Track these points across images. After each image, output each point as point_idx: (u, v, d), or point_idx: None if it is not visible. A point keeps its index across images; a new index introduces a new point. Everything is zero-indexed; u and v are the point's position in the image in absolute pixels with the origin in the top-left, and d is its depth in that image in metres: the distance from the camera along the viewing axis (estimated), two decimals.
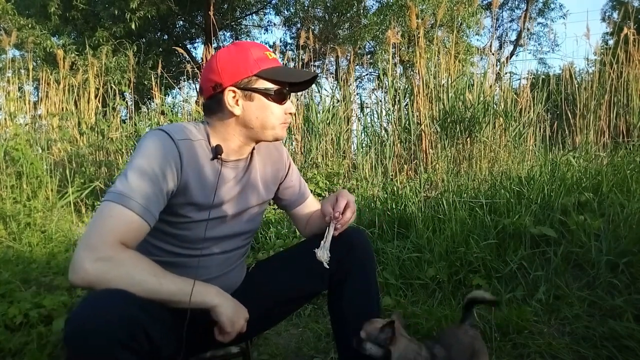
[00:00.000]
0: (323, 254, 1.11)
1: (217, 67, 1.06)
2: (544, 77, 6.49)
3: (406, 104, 4.50)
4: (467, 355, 1.21)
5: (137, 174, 0.95)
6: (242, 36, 14.14)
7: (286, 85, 1.09)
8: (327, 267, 1.11)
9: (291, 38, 12.94)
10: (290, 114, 1.13)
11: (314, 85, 5.31)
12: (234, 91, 1.05)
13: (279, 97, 1.08)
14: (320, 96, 5.04)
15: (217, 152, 1.07)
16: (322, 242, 1.12)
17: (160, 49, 11.43)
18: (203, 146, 1.07)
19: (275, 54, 1.12)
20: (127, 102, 6.40)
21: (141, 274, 0.88)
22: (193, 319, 1.08)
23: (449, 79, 4.13)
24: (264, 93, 1.06)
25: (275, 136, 1.12)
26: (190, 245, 1.09)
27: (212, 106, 1.09)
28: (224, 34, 13.45)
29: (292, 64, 5.84)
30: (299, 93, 4.76)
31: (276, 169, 1.26)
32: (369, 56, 11.44)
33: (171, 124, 1.07)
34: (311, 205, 1.35)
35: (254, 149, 1.18)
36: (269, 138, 1.12)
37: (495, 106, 3.99)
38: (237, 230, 1.17)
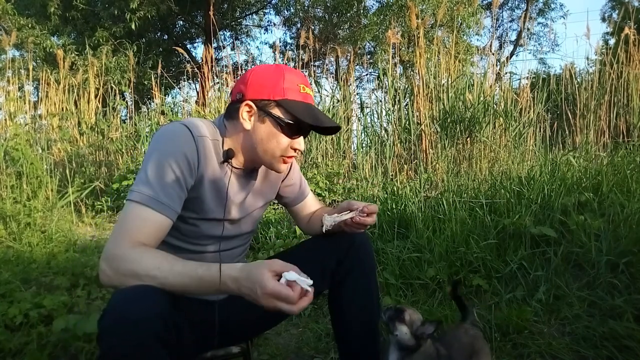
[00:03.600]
0: (329, 221, 1.14)
1: (248, 79, 1.07)
2: (544, 76, 6.49)
3: (406, 104, 4.50)
4: (467, 355, 1.22)
5: (157, 171, 0.96)
6: (242, 36, 14.15)
7: (302, 124, 1.06)
8: (323, 231, 1.16)
9: (291, 38, 12.94)
10: (296, 149, 1.09)
11: (314, 85, 5.33)
12: (250, 106, 1.05)
13: (290, 131, 1.06)
14: (320, 96, 5.04)
15: (228, 155, 1.07)
16: (336, 215, 1.16)
17: (160, 49, 11.43)
18: (217, 147, 1.08)
19: (312, 89, 1.09)
20: (127, 102, 6.41)
21: (146, 270, 0.87)
22: (197, 317, 1.08)
23: (449, 79, 4.13)
24: (276, 121, 1.05)
25: (271, 166, 1.11)
26: (192, 241, 1.10)
27: (232, 111, 1.09)
28: (223, 34, 13.45)
29: (292, 64, 5.84)
30: None
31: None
32: (369, 56, 11.45)
33: (189, 119, 1.07)
34: (312, 203, 1.36)
35: None
36: (265, 164, 1.11)
37: (495, 106, 3.99)
38: (239, 231, 1.18)
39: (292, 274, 0.82)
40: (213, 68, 5.47)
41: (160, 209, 0.94)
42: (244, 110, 1.06)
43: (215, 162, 1.07)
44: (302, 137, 1.10)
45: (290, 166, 1.29)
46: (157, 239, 0.95)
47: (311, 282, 0.83)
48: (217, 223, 1.11)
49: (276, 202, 1.37)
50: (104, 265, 0.88)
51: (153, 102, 6.64)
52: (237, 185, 1.14)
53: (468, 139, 3.82)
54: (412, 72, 6.12)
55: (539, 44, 15.52)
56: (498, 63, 4.78)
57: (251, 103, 1.05)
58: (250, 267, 0.86)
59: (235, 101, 1.08)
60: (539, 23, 15.35)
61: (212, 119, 1.14)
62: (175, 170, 0.97)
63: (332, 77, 9.18)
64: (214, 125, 1.10)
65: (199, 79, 5.93)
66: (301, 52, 5.92)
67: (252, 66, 1.14)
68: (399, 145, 4.13)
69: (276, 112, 1.05)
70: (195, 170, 1.02)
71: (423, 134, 3.98)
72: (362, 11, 11.45)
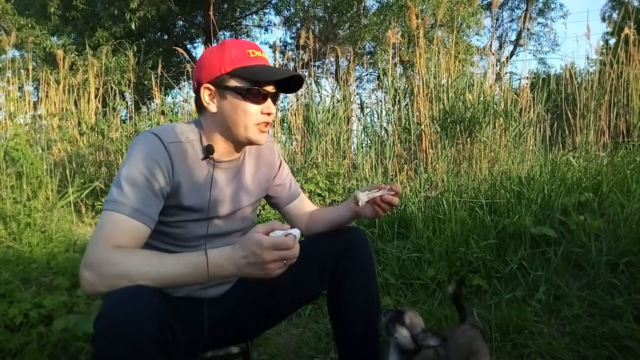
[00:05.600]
0: (364, 197, 1.14)
1: (199, 64, 1.09)
2: (544, 77, 6.49)
3: (406, 104, 4.50)
4: (464, 355, 1.21)
5: (130, 180, 0.96)
6: (242, 36, 14.13)
7: (263, 85, 1.06)
8: (359, 206, 1.16)
9: (291, 38, 12.93)
10: (268, 114, 1.08)
11: (314, 85, 5.32)
12: (209, 88, 1.06)
13: (254, 97, 1.05)
14: (320, 96, 5.04)
15: (208, 152, 1.08)
16: (369, 191, 1.16)
17: (160, 49, 11.42)
18: (195, 147, 1.08)
19: (262, 52, 1.09)
20: (127, 102, 6.40)
21: (137, 267, 0.87)
22: (192, 317, 1.08)
23: (449, 79, 4.13)
24: (236, 91, 1.04)
25: (249, 138, 1.09)
26: (183, 244, 1.10)
27: (197, 103, 1.11)
28: (223, 34, 13.43)
29: (292, 64, 5.83)
30: (299, 93, 4.76)
31: (268, 167, 1.26)
32: (369, 56, 11.44)
33: (162, 126, 1.07)
34: (305, 203, 1.34)
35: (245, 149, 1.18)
36: (244, 140, 1.10)
37: (495, 106, 3.99)
38: (229, 229, 1.17)
39: (277, 231, 0.87)
40: None
41: (137, 216, 0.94)
42: (205, 95, 1.07)
43: (194, 164, 1.07)
44: (269, 100, 1.08)
45: (280, 165, 1.29)
46: (138, 246, 0.95)
47: (298, 230, 0.89)
48: (204, 222, 1.10)
49: (266, 203, 1.37)
50: (86, 274, 0.86)
51: (153, 102, 6.63)
52: (223, 180, 1.13)
53: (468, 139, 3.82)
54: (412, 72, 6.12)
55: (539, 44, 15.53)
56: (498, 63, 4.78)
57: (208, 85, 1.06)
58: (240, 239, 0.88)
59: (196, 91, 1.09)
60: (539, 23, 15.35)
61: (191, 120, 1.15)
62: (149, 179, 0.98)
63: (332, 77, 9.18)
64: (190, 126, 1.10)
65: None
66: (301, 52, 5.91)
67: None
68: (399, 145, 4.13)
69: (232, 83, 1.05)
70: (169, 177, 1.02)
71: (423, 134, 3.97)
72: (362, 11, 11.45)
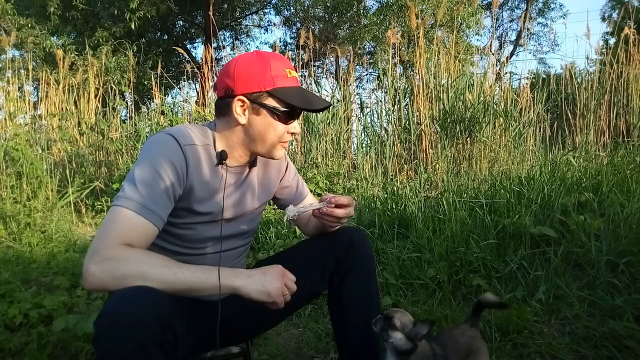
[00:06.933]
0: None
1: (234, 73, 1.05)
2: (544, 77, 6.49)
3: (406, 104, 4.50)
4: (463, 354, 1.21)
5: (144, 178, 0.95)
6: (242, 36, 14.15)
7: (297, 109, 1.08)
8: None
9: (291, 38, 12.95)
10: (293, 133, 1.11)
11: (314, 85, 5.33)
12: (243, 101, 1.05)
13: (285, 117, 1.07)
14: (320, 96, 5.03)
15: (222, 157, 1.07)
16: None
17: (160, 49, 11.42)
18: (209, 151, 1.08)
19: (295, 71, 1.10)
20: (127, 102, 6.41)
21: (152, 267, 0.87)
22: (197, 319, 1.08)
23: (449, 79, 4.13)
24: (272, 111, 1.05)
25: (271, 154, 1.12)
26: (191, 245, 1.10)
27: (221, 108, 1.09)
28: (223, 34, 13.45)
29: (292, 64, 5.83)
30: None
31: (276, 171, 1.26)
32: (369, 56, 11.45)
33: (177, 127, 1.06)
34: (310, 204, 1.35)
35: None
36: (264, 154, 1.12)
37: (495, 106, 3.99)
38: (236, 231, 1.18)
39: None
40: (213, 68, 5.46)
41: (147, 215, 0.93)
42: (236, 106, 1.05)
43: (207, 168, 1.07)
44: (296, 121, 1.11)
45: (287, 168, 1.29)
46: (146, 244, 0.94)
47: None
48: (214, 225, 1.11)
49: (273, 204, 1.37)
50: (93, 269, 0.84)
51: (153, 102, 6.64)
52: (233, 185, 1.14)
53: (468, 139, 3.82)
54: (412, 72, 6.12)
55: (539, 44, 15.55)
56: (498, 63, 4.78)
57: (243, 97, 1.04)
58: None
59: (224, 97, 1.07)
60: (538, 23, 15.38)
61: (203, 123, 1.15)
62: (163, 180, 0.97)
63: (332, 77, 9.17)
64: (203, 129, 1.10)
65: (198, 79, 5.93)
66: (301, 52, 5.92)
67: None
68: (399, 145, 4.13)
69: (270, 102, 1.05)
70: (183, 179, 1.01)
71: (423, 134, 3.98)
72: (362, 11, 11.46)
